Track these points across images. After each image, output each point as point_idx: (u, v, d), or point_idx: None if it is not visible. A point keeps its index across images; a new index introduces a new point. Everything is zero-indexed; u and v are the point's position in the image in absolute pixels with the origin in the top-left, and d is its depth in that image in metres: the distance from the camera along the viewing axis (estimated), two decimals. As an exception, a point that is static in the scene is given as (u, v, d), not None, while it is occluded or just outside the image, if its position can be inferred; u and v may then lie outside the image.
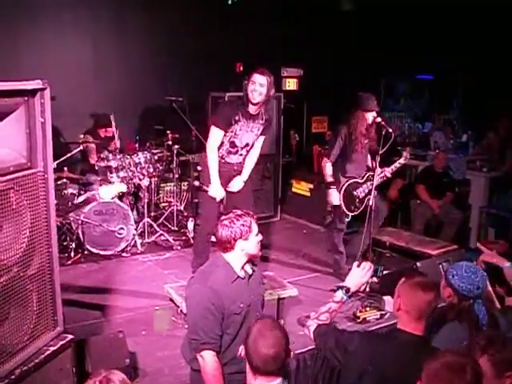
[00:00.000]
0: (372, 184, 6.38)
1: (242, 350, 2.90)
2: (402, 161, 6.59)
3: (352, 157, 6.52)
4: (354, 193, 6.48)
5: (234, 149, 5.94)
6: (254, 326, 2.89)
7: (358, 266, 3.63)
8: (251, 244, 3.67)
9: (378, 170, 6.42)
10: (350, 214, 6.52)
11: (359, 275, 3.60)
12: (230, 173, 6.04)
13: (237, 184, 6.08)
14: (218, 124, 5.79)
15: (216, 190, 5.90)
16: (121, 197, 7.64)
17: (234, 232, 3.63)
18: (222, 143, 5.86)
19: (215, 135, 5.80)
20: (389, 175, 6.60)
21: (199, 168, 6.34)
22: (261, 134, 6.03)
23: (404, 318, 3.22)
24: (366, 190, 6.48)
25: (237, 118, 5.76)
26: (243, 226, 3.63)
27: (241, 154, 6.03)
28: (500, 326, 3.65)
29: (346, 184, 6.49)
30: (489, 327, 3.57)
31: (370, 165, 6.69)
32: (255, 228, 3.70)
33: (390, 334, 3.47)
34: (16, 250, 3.22)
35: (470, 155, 10.24)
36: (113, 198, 7.38)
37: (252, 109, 5.79)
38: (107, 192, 7.35)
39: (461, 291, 3.57)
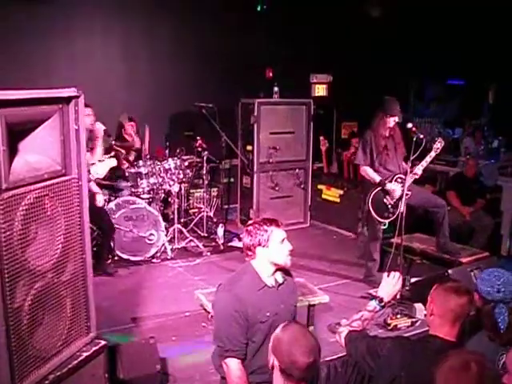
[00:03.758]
0: (403, 188, 6.27)
1: (273, 359, 2.84)
2: (432, 154, 6.44)
3: (380, 160, 6.55)
4: (385, 200, 6.43)
5: None
6: (283, 332, 2.83)
7: (388, 275, 3.60)
8: (273, 252, 3.59)
9: (409, 176, 6.31)
10: (386, 222, 6.46)
11: (391, 284, 3.57)
12: None
13: None
14: None
15: None
16: (150, 202, 7.68)
17: (252, 239, 3.60)
18: None
19: None
20: (420, 172, 6.43)
21: None
22: None
23: (437, 323, 3.19)
24: (397, 195, 6.38)
25: None
26: (263, 234, 3.58)
27: None
28: None
29: (373, 193, 6.44)
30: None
31: (402, 169, 6.59)
32: (278, 236, 3.61)
33: (422, 339, 3.43)
34: (50, 256, 3.24)
35: (502, 161, 10.12)
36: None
37: None
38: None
39: (481, 293, 3.54)
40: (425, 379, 2.92)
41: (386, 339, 3.42)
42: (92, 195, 6.47)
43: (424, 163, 6.44)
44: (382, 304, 3.52)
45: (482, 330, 3.59)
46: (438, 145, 6.46)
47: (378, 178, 6.47)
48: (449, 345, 3.12)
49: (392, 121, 6.48)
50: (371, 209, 6.44)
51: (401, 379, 3.07)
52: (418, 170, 6.43)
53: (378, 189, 6.46)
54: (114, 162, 7.50)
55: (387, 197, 6.42)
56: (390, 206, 6.41)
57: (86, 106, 6.16)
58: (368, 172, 6.55)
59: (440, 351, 3.08)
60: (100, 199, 6.82)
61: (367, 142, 6.57)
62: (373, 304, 3.53)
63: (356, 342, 3.35)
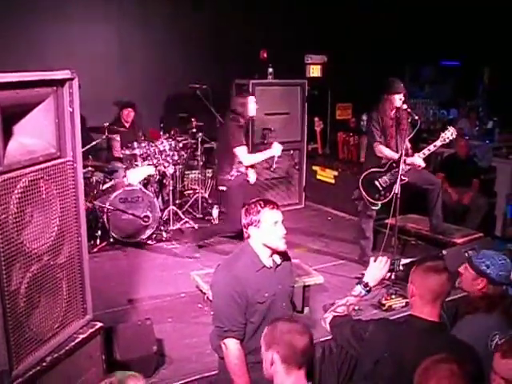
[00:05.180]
0: (397, 171, 6.11)
1: (271, 354, 2.80)
2: (438, 143, 6.19)
3: (384, 142, 6.47)
4: (376, 182, 6.39)
5: None
6: (274, 325, 2.88)
7: (375, 260, 3.61)
8: (264, 233, 3.61)
9: (405, 157, 6.22)
10: (379, 203, 6.44)
11: (377, 269, 3.58)
12: None
13: None
14: None
15: None
16: (146, 184, 7.66)
17: (246, 219, 3.65)
18: None
19: None
20: (418, 161, 6.27)
21: None
22: None
23: (418, 303, 3.21)
24: (392, 178, 6.27)
25: None
26: (255, 214, 3.61)
27: None
28: None
29: (364, 174, 6.44)
30: None
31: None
32: (270, 218, 3.62)
33: (404, 321, 3.45)
34: (46, 239, 3.25)
35: (496, 142, 10.13)
36: (141, 182, 7.41)
37: None
38: (135, 175, 7.33)
39: (498, 280, 3.55)
40: (408, 360, 2.95)
41: (369, 322, 3.45)
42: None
43: (426, 151, 6.27)
44: (368, 289, 3.53)
45: (476, 312, 3.61)
46: (448, 134, 6.12)
47: (396, 155, 6.30)
48: (431, 325, 3.15)
49: (398, 99, 6.32)
50: (362, 190, 6.42)
51: (385, 360, 3.10)
52: (418, 158, 6.28)
53: (370, 171, 6.43)
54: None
55: (380, 180, 6.39)
56: (381, 189, 6.38)
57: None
58: (384, 151, 6.40)
59: (422, 331, 3.13)
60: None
61: (377, 121, 6.46)
62: (358, 289, 3.54)
63: (340, 326, 3.39)
